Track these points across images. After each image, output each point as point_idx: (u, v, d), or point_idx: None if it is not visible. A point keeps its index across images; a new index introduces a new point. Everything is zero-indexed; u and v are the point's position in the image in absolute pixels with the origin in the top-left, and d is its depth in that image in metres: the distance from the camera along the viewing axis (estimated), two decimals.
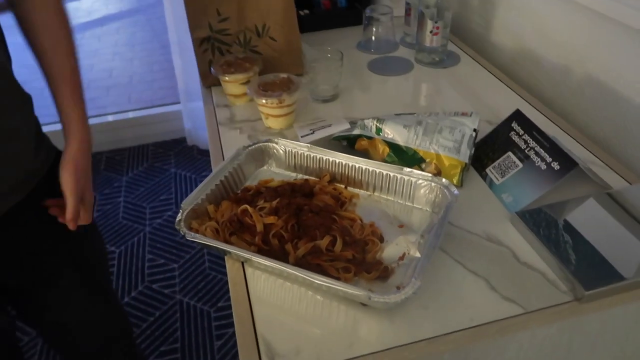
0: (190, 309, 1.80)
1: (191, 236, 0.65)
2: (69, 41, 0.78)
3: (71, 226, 0.80)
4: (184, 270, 1.95)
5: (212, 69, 1.02)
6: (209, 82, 1.09)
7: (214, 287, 1.88)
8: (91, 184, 0.84)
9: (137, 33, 3.92)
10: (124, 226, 2.15)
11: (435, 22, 1.08)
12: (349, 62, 1.16)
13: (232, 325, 1.72)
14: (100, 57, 3.53)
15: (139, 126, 2.66)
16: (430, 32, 1.10)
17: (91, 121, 0.85)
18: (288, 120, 0.94)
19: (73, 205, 0.78)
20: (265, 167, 0.84)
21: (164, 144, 2.66)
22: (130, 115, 2.68)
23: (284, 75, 0.95)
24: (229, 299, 1.82)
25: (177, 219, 0.68)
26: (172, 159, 2.54)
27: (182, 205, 0.70)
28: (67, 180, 0.78)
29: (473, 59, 1.18)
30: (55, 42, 0.76)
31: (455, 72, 1.14)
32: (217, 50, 1.06)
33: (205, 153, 2.55)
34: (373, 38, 1.23)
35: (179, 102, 2.51)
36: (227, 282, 1.91)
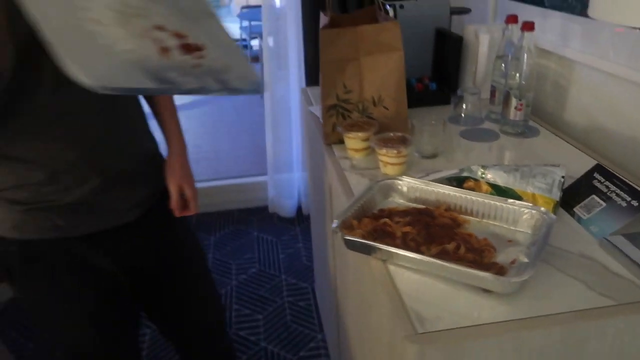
0: (274, 356, 1.94)
1: (349, 236, 0.86)
2: (172, 106, 1.25)
3: (176, 213, 1.19)
4: (268, 321, 2.12)
5: (338, 128, 1.27)
6: (330, 140, 1.34)
7: (296, 338, 2.02)
8: (191, 182, 1.22)
9: (223, 116, 4.39)
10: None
11: (520, 100, 1.32)
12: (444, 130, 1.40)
13: None
14: (190, 134, 3.97)
15: (226, 193, 2.96)
16: (515, 107, 1.33)
17: None
18: (402, 168, 1.16)
19: (175, 197, 1.17)
20: (390, 199, 1.05)
21: (247, 211, 2.93)
22: (219, 183, 3.00)
23: (399, 133, 1.19)
24: (310, 349, 1.96)
25: (334, 226, 0.89)
26: (254, 224, 2.79)
27: (335, 216, 0.91)
28: (169, 179, 1.17)
29: (551, 132, 1.39)
30: (164, 107, 1.23)
31: (535, 141, 1.34)
32: (340, 115, 1.32)
33: (284, 220, 2.79)
34: (462, 114, 1.47)
35: (265, 174, 2.80)
36: (307, 335, 2.07)
